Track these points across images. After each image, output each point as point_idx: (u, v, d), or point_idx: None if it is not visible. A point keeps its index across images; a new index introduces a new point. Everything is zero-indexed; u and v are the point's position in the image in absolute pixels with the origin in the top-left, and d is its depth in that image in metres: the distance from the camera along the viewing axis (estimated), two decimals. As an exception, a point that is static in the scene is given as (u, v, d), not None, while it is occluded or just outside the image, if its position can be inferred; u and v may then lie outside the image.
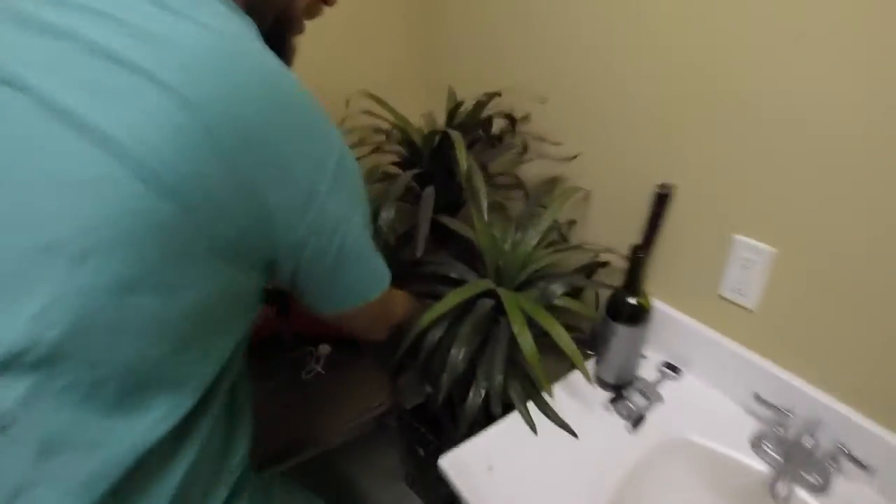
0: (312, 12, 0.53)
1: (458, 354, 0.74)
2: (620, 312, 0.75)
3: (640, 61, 0.74)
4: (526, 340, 0.69)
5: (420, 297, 0.87)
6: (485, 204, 0.83)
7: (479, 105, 0.87)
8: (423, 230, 0.77)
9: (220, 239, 0.37)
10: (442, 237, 0.89)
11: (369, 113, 0.90)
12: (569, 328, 0.85)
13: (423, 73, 1.12)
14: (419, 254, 0.76)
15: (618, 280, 0.77)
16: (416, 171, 0.84)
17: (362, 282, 0.53)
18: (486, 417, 0.75)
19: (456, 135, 0.78)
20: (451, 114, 0.88)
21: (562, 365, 0.79)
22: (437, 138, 0.85)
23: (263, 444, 0.61)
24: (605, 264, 0.88)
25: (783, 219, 0.64)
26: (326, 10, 0.55)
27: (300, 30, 0.52)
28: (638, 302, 0.74)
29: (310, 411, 0.86)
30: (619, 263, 0.87)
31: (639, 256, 0.70)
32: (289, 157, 0.39)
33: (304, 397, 0.88)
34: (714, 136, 0.68)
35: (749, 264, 0.69)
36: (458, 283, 0.88)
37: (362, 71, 1.03)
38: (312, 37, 0.58)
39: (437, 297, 0.77)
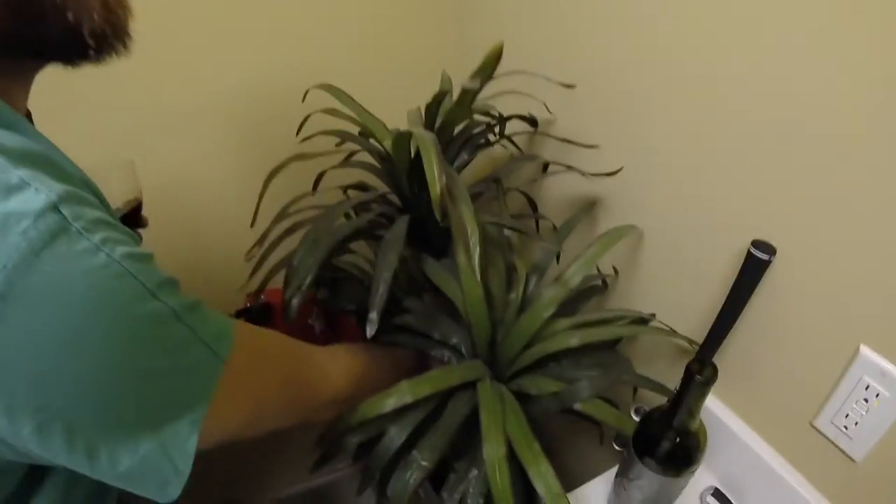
0: None
1: (409, 478, 0.51)
2: (654, 445, 0.47)
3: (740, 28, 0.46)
4: (498, 480, 0.45)
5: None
6: (476, 249, 0.56)
7: (477, 86, 0.53)
8: (378, 296, 0.52)
9: None
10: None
11: (331, 112, 0.67)
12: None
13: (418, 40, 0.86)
14: (371, 332, 0.51)
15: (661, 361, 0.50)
16: (369, 195, 0.60)
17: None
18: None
19: (424, 137, 0.51)
20: (432, 108, 0.61)
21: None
22: (411, 144, 0.60)
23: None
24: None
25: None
26: None
27: None
28: (683, 441, 0.45)
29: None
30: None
31: (698, 380, 0.41)
32: None
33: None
34: (860, 186, 0.40)
35: (871, 396, 0.42)
36: (442, 344, 0.64)
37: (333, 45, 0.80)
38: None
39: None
